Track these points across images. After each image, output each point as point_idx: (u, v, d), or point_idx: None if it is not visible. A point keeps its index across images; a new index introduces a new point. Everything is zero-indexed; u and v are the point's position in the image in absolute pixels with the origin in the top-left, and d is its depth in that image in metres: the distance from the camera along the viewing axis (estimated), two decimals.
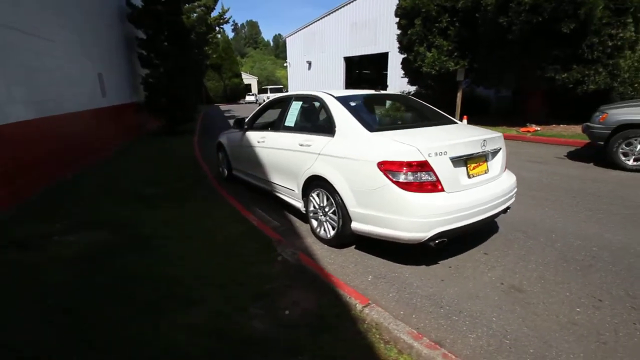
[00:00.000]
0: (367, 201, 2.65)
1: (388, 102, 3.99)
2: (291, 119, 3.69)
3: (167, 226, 3.50)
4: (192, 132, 11.48)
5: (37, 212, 3.80)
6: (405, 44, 11.60)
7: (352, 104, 3.21)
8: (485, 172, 2.81)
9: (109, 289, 2.35)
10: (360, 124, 2.88)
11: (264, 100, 25.72)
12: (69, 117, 5.25)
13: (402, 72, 13.65)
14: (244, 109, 26.03)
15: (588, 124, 5.99)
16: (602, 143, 5.63)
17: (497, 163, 2.93)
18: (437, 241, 2.49)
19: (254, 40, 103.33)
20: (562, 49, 7.87)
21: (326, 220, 3.14)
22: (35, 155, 4.21)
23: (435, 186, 2.45)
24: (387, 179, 2.49)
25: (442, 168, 2.49)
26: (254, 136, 4.31)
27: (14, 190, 3.87)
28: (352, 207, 2.77)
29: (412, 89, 18.34)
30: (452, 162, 2.55)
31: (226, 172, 5.43)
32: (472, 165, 2.70)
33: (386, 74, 28.26)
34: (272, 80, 53.91)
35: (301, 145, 3.32)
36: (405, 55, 12.08)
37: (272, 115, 4.79)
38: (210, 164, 6.49)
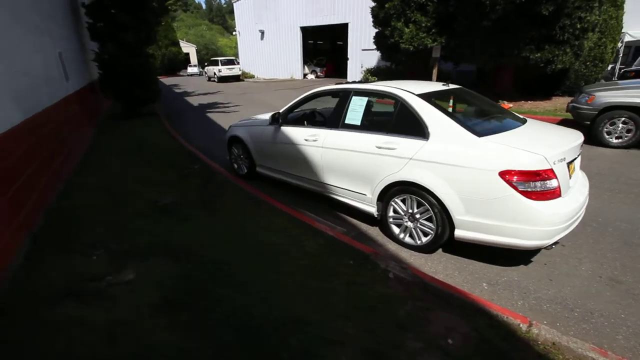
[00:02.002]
0: (481, 210, 2.58)
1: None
2: (354, 117, 3.38)
3: (229, 244, 3.06)
4: (155, 115, 10.18)
5: (55, 244, 3.04)
6: (381, 18, 11.34)
7: (440, 101, 3.01)
8: (574, 172, 2.90)
9: (248, 348, 1.98)
10: (463, 128, 2.72)
11: (215, 74, 23.83)
12: (47, 113, 4.17)
13: (374, 46, 13.47)
14: (192, 84, 23.80)
15: (574, 104, 6.54)
16: (589, 123, 6.23)
17: (578, 162, 3.04)
18: (553, 246, 2.54)
19: (182, 1, 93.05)
20: (538, 29, 8.35)
21: (415, 227, 3.02)
22: (29, 170, 3.28)
23: (556, 193, 2.46)
24: (512, 188, 2.42)
25: (561, 174, 2.49)
26: (296, 133, 3.90)
27: (24, 218, 3.01)
28: (459, 215, 2.68)
29: (372, 62, 18.35)
30: (567, 166, 2.57)
31: (245, 169, 4.91)
32: (571, 167, 2.75)
33: (340, 45, 27.85)
34: (212, 49, 49.73)
35: (379, 147, 3.08)
36: (380, 30, 11.85)
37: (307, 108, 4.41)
38: (212, 157, 5.83)
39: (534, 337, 2.03)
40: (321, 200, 4.03)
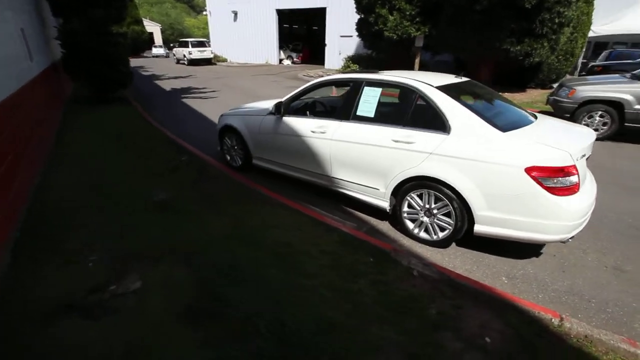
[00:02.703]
0: (504, 206, 2.58)
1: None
2: (367, 108, 3.25)
3: (243, 244, 2.87)
4: (126, 101, 9.45)
5: (41, 250, 2.69)
6: (364, 4, 11.14)
7: (458, 95, 2.95)
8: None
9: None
10: (486, 123, 2.69)
11: (185, 56, 22.50)
12: (13, 99, 3.64)
13: (354, 33, 13.28)
14: (160, 66, 22.38)
15: (555, 97, 6.82)
16: (568, 116, 6.53)
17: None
18: (570, 239, 2.61)
19: None
20: (520, 23, 8.57)
21: (432, 222, 2.99)
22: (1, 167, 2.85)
23: (576, 189, 2.50)
24: (537, 184, 2.44)
25: (581, 170, 2.54)
26: (301, 124, 3.71)
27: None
28: (480, 210, 2.67)
29: (351, 49, 18.14)
30: (584, 162, 2.62)
31: (240, 161, 4.66)
32: (584, 162, 2.82)
33: (317, 31, 27.29)
34: (178, 29, 46.98)
35: (396, 141, 2.99)
36: (363, 16, 11.66)
37: (308, 99, 4.20)
38: (198, 146, 5.48)
39: (567, 331, 2.08)
40: (323, 193, 3.92)
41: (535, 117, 3.14)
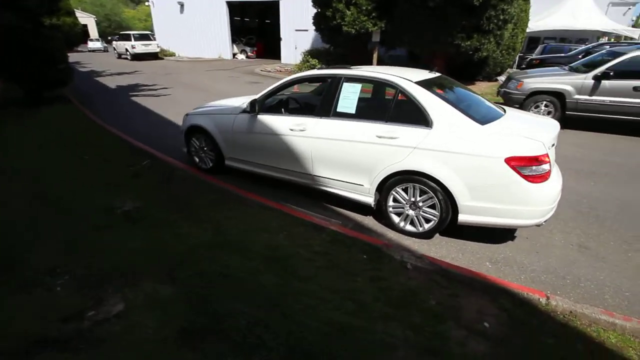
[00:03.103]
0: (486, 195, 2.71)
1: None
2: (348, 105, 3.22)
3: (231, 252, 2.71)
4: (66, 100, 8.51)
5: None
6: None
7: (436, 89, 3.03)
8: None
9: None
10: (466, 117, 2.79)
11: (127, 51, 20.76)
12: None
13: (311, 27, 13.19)
14: (99, 61, 20.47)
15: (505, 89, 7.35)
16: (518, 106, 7.07)
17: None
18: (543, 223, 2.82)
19: None
20: (469, 19, 9.07)
21: (417, 215, 3.06)
22: None
23: (548, 175, 2.70)
24: (516, 173, 2.59)
25: (552, 158, 2.74)
26: (278, 122, 3.59)
27: None
28: (464, 201, 2.78)
29: (307, 43, 18.03)
30: (553, 151, 2.84)
31: (210, 163, 4.41)
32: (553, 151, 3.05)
33: (270, 24, 26.78)
34: (116, 21, 43.33)
35: (380, 137, 3.00)
36: (320, 10, 11.60)
37: (282, 96, 4.07)
38: (158, 149, 5.10)
39: (553, 309, 2.24)
40: (300, 192, 3.85)
41: (504, 111, 3.33)
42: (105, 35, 31.89)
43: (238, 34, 23.65)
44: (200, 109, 4.50)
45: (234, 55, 23.00)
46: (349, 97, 3.23)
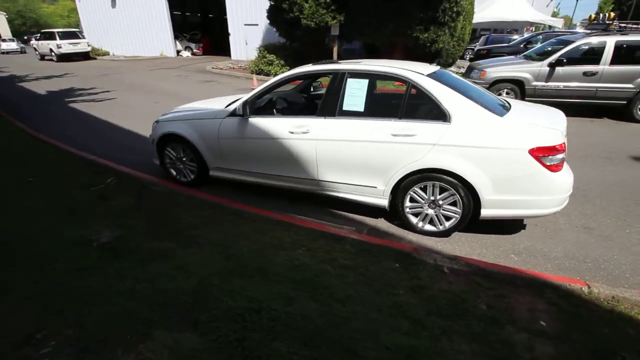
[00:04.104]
0: (510, 187, 2.67)
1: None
2: (355, 102, 2.99)
3: (251, 279, 2.35)
4: None
5: None
6: None
7: (450, 82, 2.90)
8: None
9: None
10: (484, 109, 2.71)
11: (52, 51, 18.21)
12: None
13: (262, 21, 12.64)
14: (18, 64, 17.81)
15: (469, 79, 7.62)
16: None
17: None
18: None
19: None
20: (426, 12, 9.29)
21: (437, 214, 2.95)
22: None
23: (563, 164, 2.72)
24: (540, 164, 2.57)
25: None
26: (275, 125, 3.24)
27: None
28: (487, 195, 2.71)
29: (257, 38, 17.34)
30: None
31: (191, 175, 3.91)
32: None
33: (214, 18, 25.45)
34: (32, 18, 38.19)
35: (395, 135, 2.82)
36: (276, 3, 11.12)
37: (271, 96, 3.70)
38: (120, 162, 4.44)
39: (597, 297, 2.25)
40: (297, 199, 3.58)
41: (508, 102, 3.33)
42: (20, 34, 27.89)
43: (180, 29, 22.04)
44: (173, 115, 3.96)
45: (178, 52, 21.43)
46: (355, 94, 2.99)
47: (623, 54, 6.49)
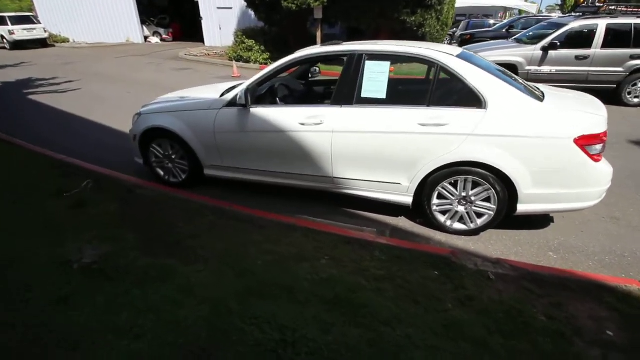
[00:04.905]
0: (551, 180, 2.44)
1: None
2: (376, 88, 2.63)
3: (278, 300, 1.98)
4: None
5: None
6: None
7: (480, 64, 2.60)
8: None
9: None
10: (523, 94, 2.44)
11: (4, 38, 16.44)
12: None
13: (245, 3, 11.87)
14: None
15: None
16: None
17: None
18: None
19: None
20: None
21: (469, 211, 2.69)
22: None
23: (602, 154, 2.51)
24: (585, 153, 2.34)
25: None
26: (283, 116, 2.84)
27: None
28: (526, 189, 2.47)
29: (232, 23, 16.40)
30: None
31: (182, 175, 3.44)
32: None
33: (183, 1, 23.97)
34: None
35: (424, 125, 2.50)
36: None
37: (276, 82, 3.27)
38: (95, 162, 3.89)
39: None
40: (302, 197, 3.24)
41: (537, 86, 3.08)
42: None
43: (147, 14, 20.49)
44: (157, 106, 3.45)
45: (146, 38, 19.94)
46: (375, 78, 2.63)
47: (614, 37, 6.48)
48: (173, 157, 3.39)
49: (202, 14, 17.70)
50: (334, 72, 8.63)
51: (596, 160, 2.39)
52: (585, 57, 6.62)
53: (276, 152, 2.95)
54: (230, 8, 16.98)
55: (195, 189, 3.44)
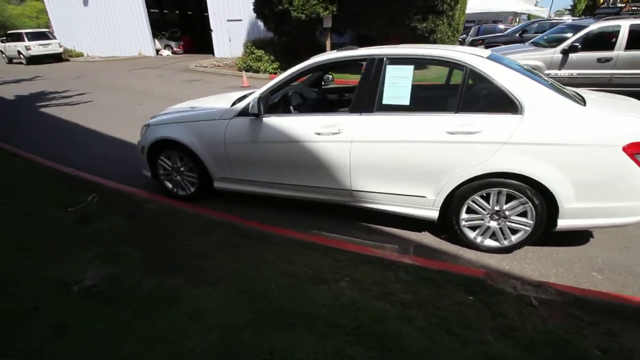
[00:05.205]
0: (596, 193, 2.19)
1: None
2: (399, 94, 2.44)
3: (283, 327, 1.77)
4: None
5: None
6: None
7: (512, 66, 2.39)
8: None
9: None
10: (563, 97, 2.22)
11: (20, 54, 16.96)
12: None
13: (254, 15, 11.94)
14: None
15: None
16: None
17: None
18: None
19: None
20: (423, 0, 8.82)
21: (501, 227, 2.45)
22: None
23: None
24: (634, 162, 2.09)
25: None
26: (298, 125, 2.67)
27: None
28: (568, 203, 2.23)
29: (241, 35, 16.55)
30: None
31: (191, 187, 3.29)
32: None
33: (193, 15, 24.53)
34: None
35: (452, 133, 2.29)
36: None
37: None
38: (103, 173, 3.77)
39: None
40: (311, 210, 3.06)
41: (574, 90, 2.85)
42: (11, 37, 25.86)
43: (158, 27, 20.91)
44: (166, 117, 3.32)
45: (157, 51, 20.32)
46: (398, 83, 2.45)
47: (638, 38, 6.19)
48: (182, 169, 3.24)
49: (212, 27, 17.94)
50: (347, 80, 8.53)
51: None
52: (608, 60, 6.33)
53: (290, 164, 2.77)
54: (240, 20, 17.17)
55: (204, 203, 3.28)
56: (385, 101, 2.47)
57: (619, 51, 6.29)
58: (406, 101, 2.42)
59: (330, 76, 4.24)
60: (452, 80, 3.21)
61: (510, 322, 1.85)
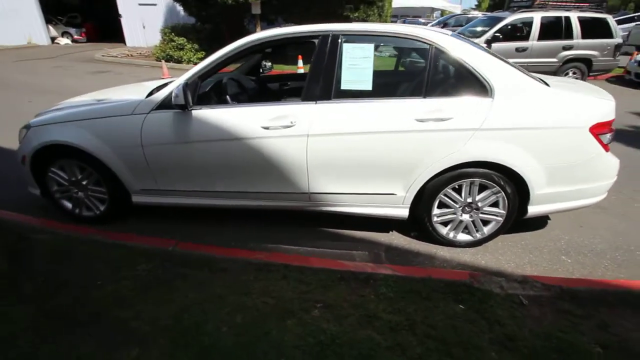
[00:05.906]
0: (565, 176, 2.12)
1: None
2: (359, 77, 2.07)
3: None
4: None
5: None
6: None
7: (475, 46, 2.18)
8: None
9: None
10: (529, 78, 2.07)
11: None
12: None
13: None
14: None
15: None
16: None
17: None
18: None
19: None
20: None
21: (473, 219, 2.27)
22: None
23: None
24: (599, 143, 2.05)
25: None
26: (239, 118, 2.16)
27: None
28: (539, 189, 2.12)
29: (157, 21, 14.79)
30: None
31: (100, 205, 2.54)
32: None
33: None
34: None
35: (422, 120, 2.02)
36: None
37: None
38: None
39: None
40: (251, 217, 2.60)
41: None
42: None
43: (54, 12, 17.67)
44: (56, 114, 2.50)
45: (53, 39, 17.19)
46: (357, 65, 2.07)
47: (548, 29, 6.82)
48: (84, 182, 2.47)
49: (120, 12, 15.73)
50: (283, 70, 8.00)
51: (607, 150, 2.13)
52: (524, 49, 6.89)
53: (232, 167, 2.24)
54: (155, 4, 15.35)
55: (120, 224, 2.56)
56: (344, 86, 2.09)
57: (532, 41, 6.87)
58: (368, 86, 2.07)
59: (269, 63, 3.73)
60: (400, 65, 2.99)
61: (507, 330, 1.64)
